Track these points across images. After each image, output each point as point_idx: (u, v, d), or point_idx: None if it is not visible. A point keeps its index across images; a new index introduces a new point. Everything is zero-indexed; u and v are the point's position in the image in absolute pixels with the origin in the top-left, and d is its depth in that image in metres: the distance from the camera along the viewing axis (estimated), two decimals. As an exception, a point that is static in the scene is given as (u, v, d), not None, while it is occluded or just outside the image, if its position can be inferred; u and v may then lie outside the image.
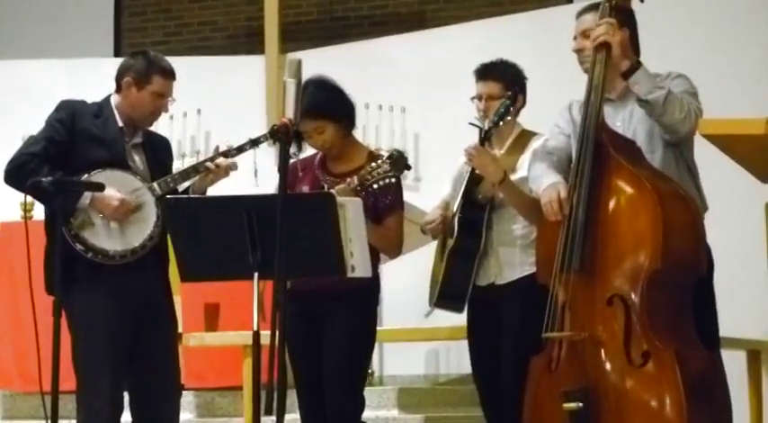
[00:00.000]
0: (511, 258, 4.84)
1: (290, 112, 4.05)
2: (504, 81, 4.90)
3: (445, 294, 4.87)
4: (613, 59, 4.35)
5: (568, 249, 4.26)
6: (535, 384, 4.37)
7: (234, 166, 4.77)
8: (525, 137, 4.94)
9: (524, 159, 4.86)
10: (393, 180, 4.71)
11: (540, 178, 4.50)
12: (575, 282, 4.27)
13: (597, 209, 4.25)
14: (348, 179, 4.65)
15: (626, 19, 4.48)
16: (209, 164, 4.76)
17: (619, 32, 4.36)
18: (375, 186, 4.65)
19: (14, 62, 9.14)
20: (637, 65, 4.33)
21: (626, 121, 4.49)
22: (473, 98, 4.95)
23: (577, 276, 4.26)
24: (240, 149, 4.81)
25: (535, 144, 4.87)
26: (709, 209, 4.49)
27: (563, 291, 4.32)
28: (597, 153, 4.29)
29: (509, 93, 4.83)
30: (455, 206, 4.87)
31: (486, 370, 4.87)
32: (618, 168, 4.25)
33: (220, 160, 4.76)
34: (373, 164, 4.65)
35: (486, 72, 4.94)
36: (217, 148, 4.84)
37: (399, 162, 4.64)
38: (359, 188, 4.63)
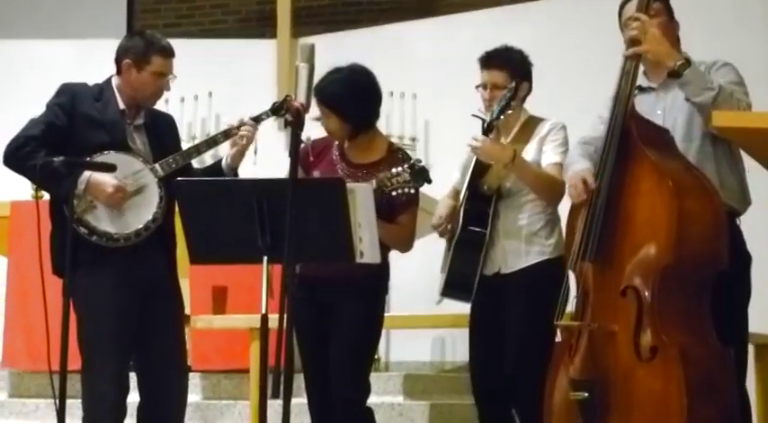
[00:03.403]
0: (516, 247, 4.82)
1: (301, 97, 4.04)
2: (508, 69, 4.84)
3: (452, 284, 4.88)
4: (653, 59, 4.29)
5: (586, 238, 4.25)
6: (555, 369, 4.38)
7: (252, 130, 4.74)
8: (532, 123, 4.91)
9: (530, 148, 4.85)
10: (412, 191, 4.62)
11: (571, 165, 4.49)
12: (593, 270, 4.26)
13: (617, 199, 4.22)
14: (368, 181, 4.61)
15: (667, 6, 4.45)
16: (232, 133, 4.74)
17: (652, 29, 4.27)
18: (393, 193, 4.61)
19: (27, 42, 9.14)
20: (683, 67, 4.21)
21: (667, 109, 4.44)
22: (477, 87, 4.91)
23: (595, 265, 4.25)
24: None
25: (543, 129, 4.87)
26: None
27: (582, 278, 4.31)
28: (623, 142, 4.24)
29: (512, 84, 4.76)
30: (461, 197, 4.87)
31: (484, 357, 4.86)
32: (641, 158, 4.20)
33: (245, 128, 4.74)
34: (394, 170, 4.58)
35: (491, 60, 4.88)
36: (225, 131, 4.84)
37: (420, 175, 4.56)
38: (375, 190, 4.60)
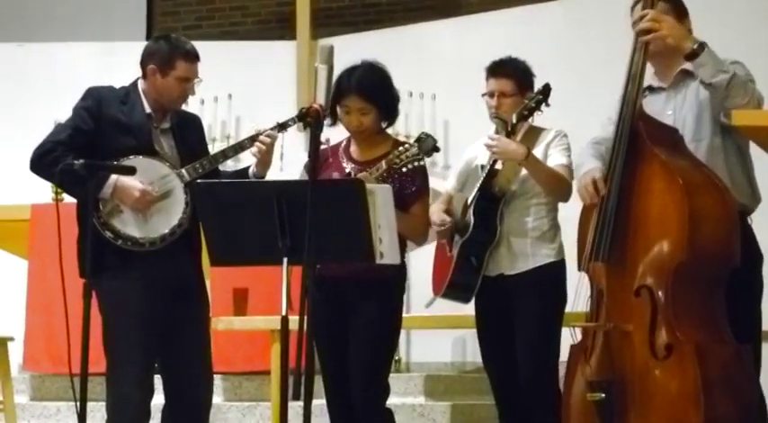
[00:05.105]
0: (523, 249, 4.86)
1: (320, 98, 4.05)
2: (516, 78, 4.93)
3: (454, 284, 4.91)
4: (670, 46, 4.31)
5: (598, 239, 4.25)
6: (572, 372, 4.38)
7: (272, 138, 4.71)
8: (534, 132, 4.96)
9: (535, 153, 4.85)
10: (421, 163, 4.69)
11: (581, 166, 4.52)
12: (606, 271, 4.26)
13: (628, 199, 4.23)
14: (377, 165, 4.65)
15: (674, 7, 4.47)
16: (253, 149, 4.73)
17: (665, 19, 4.31)
18: (404, 170, 4.64)
19: (47, 45, 9.16)
20: (700, 48, 4.26)
21: (677, 109, 4.46)
22: (484, 95, 4.98)
23: (608, 266, 4.25)
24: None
25: (548, 137, 4.92)
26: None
27: (595, 279, 4.31)
28: (632, 142, 4.26)
29: (540, 88, 4.83)
30: (470, 199, 4.89)
31: (499, 361, 4.89)
32: (650, 158, 4.22)
33: (261, 139, 4.72)
34: (401, 148, 4.66)
35: (499, 69, 4.96)
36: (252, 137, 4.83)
37: (427, 143, 4.64)
38: (385, 174, 4.63)
